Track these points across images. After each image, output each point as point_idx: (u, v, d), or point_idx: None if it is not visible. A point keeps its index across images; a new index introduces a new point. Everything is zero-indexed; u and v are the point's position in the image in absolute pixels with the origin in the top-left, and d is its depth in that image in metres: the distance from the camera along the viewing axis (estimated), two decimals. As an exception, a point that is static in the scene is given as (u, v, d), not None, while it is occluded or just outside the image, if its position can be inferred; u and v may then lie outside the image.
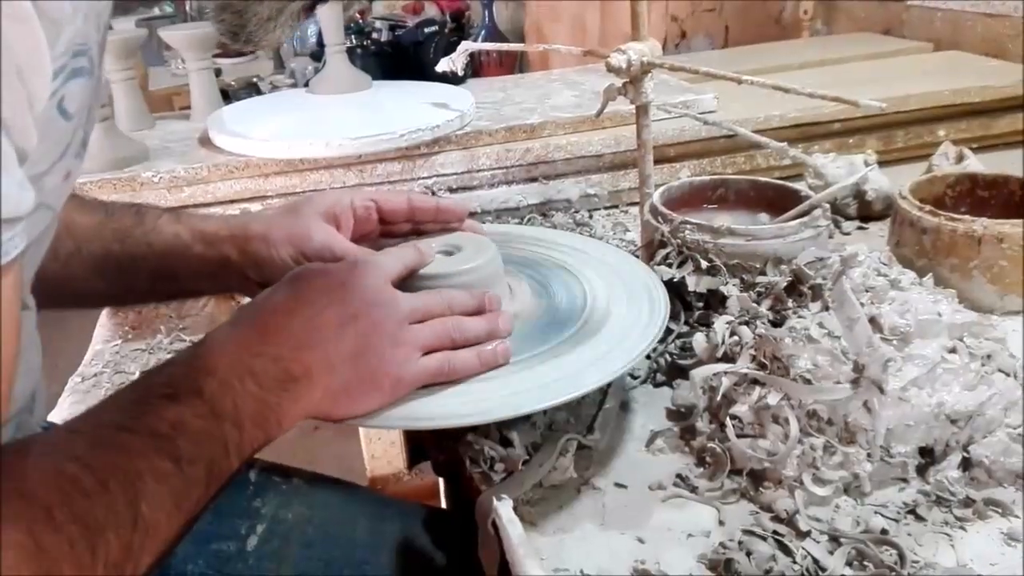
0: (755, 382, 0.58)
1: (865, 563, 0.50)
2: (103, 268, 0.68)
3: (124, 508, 0.41)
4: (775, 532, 0.52)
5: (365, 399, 0.55)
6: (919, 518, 0.54)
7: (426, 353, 0.57)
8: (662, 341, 0.68)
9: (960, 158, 0.93)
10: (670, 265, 0.73)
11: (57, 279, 0.64)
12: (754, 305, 0.67)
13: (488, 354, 0.59)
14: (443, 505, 1.08)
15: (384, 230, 0.73)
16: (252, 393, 0.49)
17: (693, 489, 0.57)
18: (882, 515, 0.53)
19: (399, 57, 1.34)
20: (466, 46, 0.96)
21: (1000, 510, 0.54)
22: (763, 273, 0.71)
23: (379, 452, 1.58)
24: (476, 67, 1.59)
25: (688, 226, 0.73)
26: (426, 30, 1.34)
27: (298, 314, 0.54)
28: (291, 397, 0.51)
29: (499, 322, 0.61)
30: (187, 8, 2.79)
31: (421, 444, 1.55)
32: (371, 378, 0.54)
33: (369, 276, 0.58)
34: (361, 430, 1.57)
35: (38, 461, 0.40)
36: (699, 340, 0.66)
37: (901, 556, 0.50)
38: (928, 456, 0.57)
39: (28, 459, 0.40)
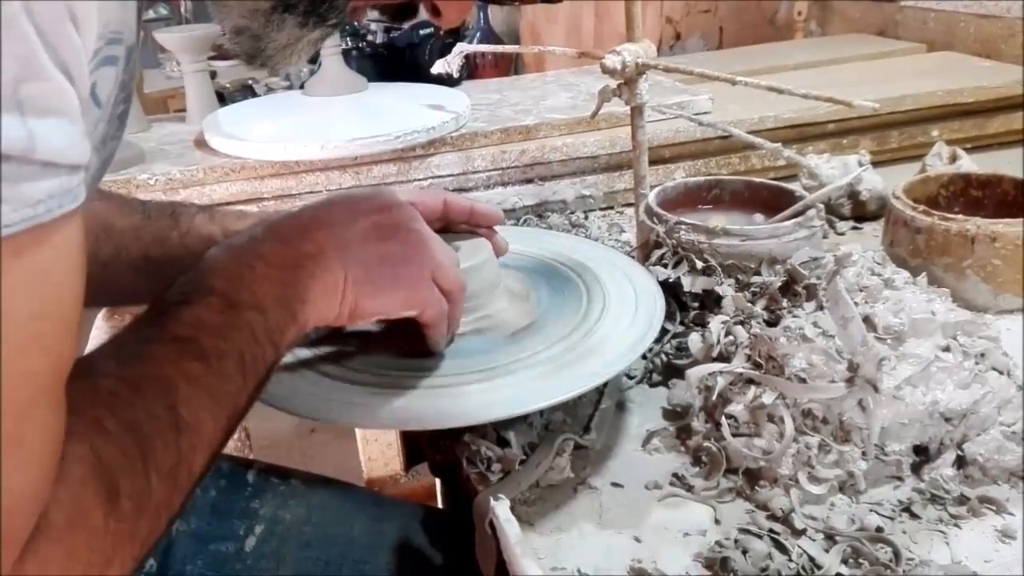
0: (750, 381, 0.59)
1: (860, 561, 0.50)
2: (143, 270, 0.68)
3: (164, 413, 0.41)
4: (771, 530, 0.53)
5: (387, 292, 0.55)
6: (914, 516, 0.54)
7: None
8: (657, 341, 0.68)
9: (953, 158, 0.93)
10: (665, 265, 0.73)
11: (98, 281, 0.64)
12: (749, 305, 0.68)
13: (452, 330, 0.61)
14: (440, 506, 1.08)
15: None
16: (265, 275, 0.49)
17: (689, 488, 0.58)
18: (877, 513, 0.54)
19: (394, 59, 1.34)
20: (461, 48, 0.96)
21: (994, 507, 0.54)
22: (758, 273, 0.71)
23: (376, 454, 1.58)
24: (471, 69, 1.59)
25: (683, 226, 0.73)
26: (421, 32, 1.34)
27: (300, 210, 0.55)
28: (308, 272, 0.51)
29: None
30: (182, 11, 2.79)
31: (418, 446, 1.55)
32: (392, 268, 0.54)
33: (394, 202, 0.58)
34: (358, 432, 1.57)
35: (75, 384, 0.39)
36: (694, 340, 0.66)
37: (896, 553, 0.50)
38: (923, 454, 0.57)
39: (70, 382, 0.40)
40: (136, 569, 0.40)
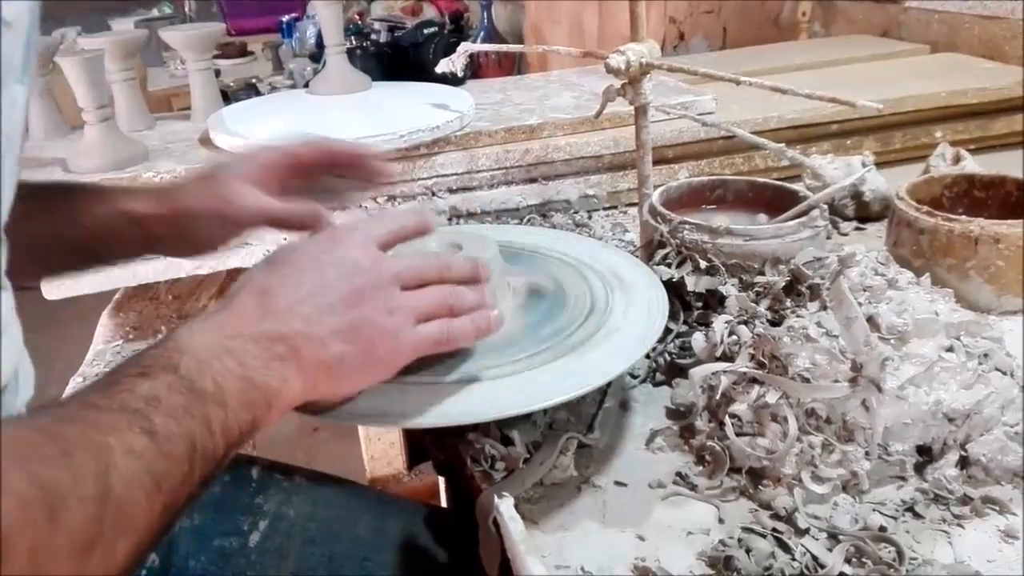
0: (754, 381, 0.59)
1: (864, 560, 0.50)
2: (34, 251, 0.65)
3: (90, 480, 0.37)
4: (774, 530, 0.53)
5: (364, 372, 0.52)
6: (917, 516, 0.54)
7: (423, 321, 0.53)
8: (661, 341, 0.68)
9: (957, 159, 0.93)
10: (669, 265, 0.73)
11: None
12: (753, 305, 0.68)
13: (483, 321, 0.56)
14: (443, 505, 1.08)
15: (308, 183, 0.71)
16: (233, 371, 0.46)
17: (693, 487, 0.58)
18: (880, 513, 0.54)
19: (398, 58, 1.34)
20: (466, 47, 0.96)
21: (997, 507, 0.54)
22: (761, 273, 0.71)
23: (378, 453, 1.58)
24: (475, 68, 1.59)
25: (687, 226, 0.73)
26: (425, 31, 1.35)
27: (274, 294, 0.50)
28: (280, 377, 0.47)
29: (486, 293, 0.58)
30: (186, 9, 2.79)
31: (421, 444, 1.56)
32: (367, 349, 0.51)
33: (347, 244, 0.53)
34: (360, 431, 1.58)
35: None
36: (698, 339, 0.66)
37: (899, 553, 0.50)
38: (926, 454, 0.57)
39: None
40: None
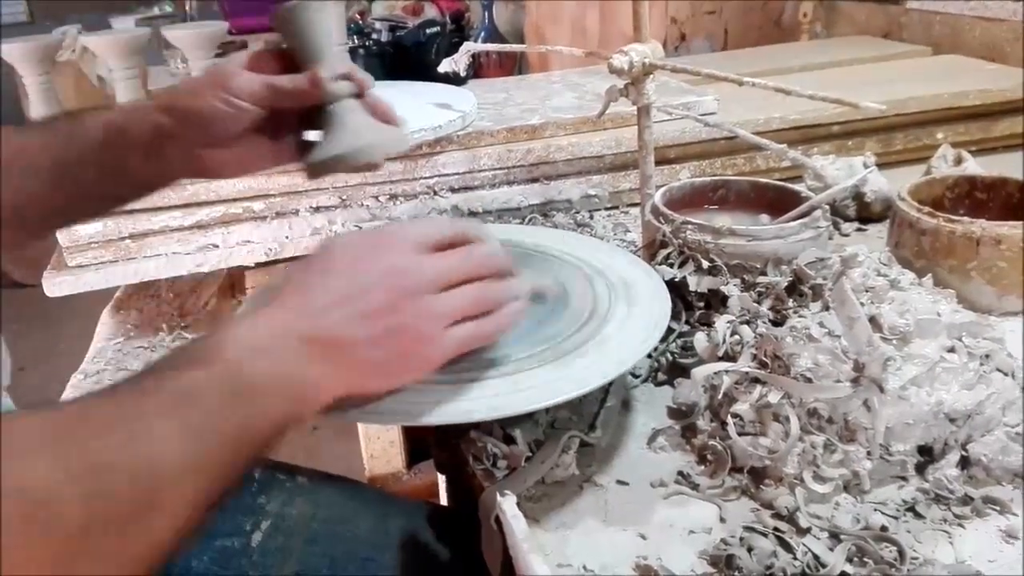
0: (756, 381, 0.59)
1: (865, 559, 0.50)
2: (56, 177, 0.65)
3: (136, 459, 0.39)
4: (776, 529, 0.53)
5: (397, 375, 0.53)
6: (918, 515, 0.54)
7: (456, 323, 0.54)
8: (663, 340, 0.69)
9: (959, 161, 0.93)
10: (671, 265, 0.73)
11: (18, 207, 0.64)
12: (755, 305, 0.68)
13: (506, 319, 0.56)
14: (444, 503, 1.08)
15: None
16: (274, 368, 0.47)
17: (695, 486, 0.58)
18: (882, 512, 0.54)
19: (400, 58, 1.34)
20: (468, 47, 0.96)
21: (998, 508, 0.55)
22: (764, 273, 0.71)
23: (378, 452, 1.58)
24: (476, 68, 1.59)
25: (689, 226, 0.74)
26: (427, 31, 1.35)
27: (316, 295, 0.51)
28: (315, 374, 0.49)
29: (516, 282, 0.59)
30: (187, 8, 2.80)
31: (421, 443, 1.56)
32: (402, 355, 0.52)
33: (390, 247, 0.54)
34: (360, 430, 1.58)
35: (29, 414, 0.38)
36: (700, 339, 0.66)
37: (901, 553, 0.50)
38: (927, 454, 0.57)
39: (19, 415, 0.39)
40: None
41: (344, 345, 0.50)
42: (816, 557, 0.50)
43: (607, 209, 1.08)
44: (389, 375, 0.53)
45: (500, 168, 1.05)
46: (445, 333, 0.53)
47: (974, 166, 0.91)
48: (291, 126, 0.69)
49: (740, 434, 0.58)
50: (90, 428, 0.39)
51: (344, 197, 1.01)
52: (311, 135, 0.69)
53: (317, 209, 1.01)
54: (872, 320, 0.58)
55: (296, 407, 0.48)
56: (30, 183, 0.65)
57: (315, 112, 0.67)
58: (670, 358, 0.70)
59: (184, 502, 0.41)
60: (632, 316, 0.65)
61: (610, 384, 0.64)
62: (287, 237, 1.00)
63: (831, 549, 0.51)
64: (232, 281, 1.06)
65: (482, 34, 2.12)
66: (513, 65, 2.13)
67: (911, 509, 0.55)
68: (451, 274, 0.54)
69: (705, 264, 0.72)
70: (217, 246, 0.99)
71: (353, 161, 0.65)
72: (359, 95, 0.68)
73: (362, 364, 0.51)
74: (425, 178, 1.04)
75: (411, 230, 0.56)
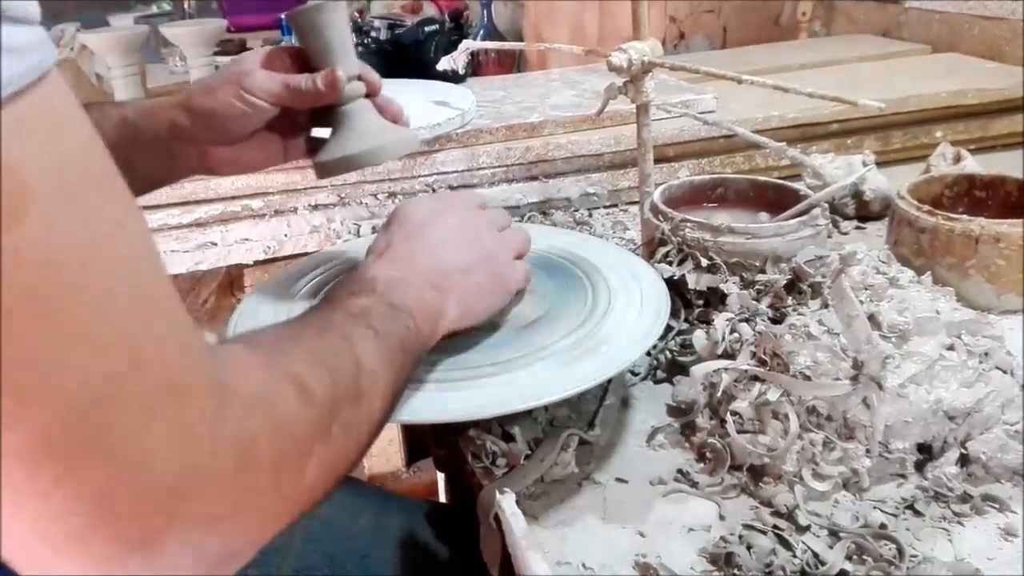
0: (755, 378, 0.59)
1: (864, 557, 0.51)
2: None
3: (346, 350, 0.46)
4: (775, 526, 0.53)
5: (489, 298, 0.62)
6: (917, 513, 0.54)
7: (518, 258, 0.65)
8: (662, 338, 0.69)
9: (958, 159, 0.93)
10: (670, 263, 0.73)
11: None
12: (754, 303, 0.68)
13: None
14: (443, 501, 1.08)
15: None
16: (411, 294, 0.55)
17: (694, 484, 0.58)
18: (881, 510, 0.54)
19: (399, 56, 1.34)
20: (467, 44, 0.96)
21: (997, 505, 0.55)
22: (763, 271, 0.71)
23: (377, 450, 1.58)
24: (475, 66, 1.59)
25: (688, 224, 0.74)
26: (426, 29, 1.35)
27: (422, 237, 0.61)
28: (440, 299, 0.57)
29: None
30: (185, 5, 2.79)
31: (419, 441, 1.56)
32: (493, 279, 0.62)
33: (459, 203, 0.65)
34: (359, 428, 1.57)
35: (253, 335, 0.44)
36: (699, 337, 0.66)
37: (900, 550, 0.50)
38: (926, 452, 0.57)
39: (239, 344, 0.43)
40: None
41: (454, 273, 0.59)
42: (815, 555, 0.50)
43: (606, 207, 1.08)
44: (485, 298, 0.61)
45: (499, 166, 1.05)
46: (515, 263, 0.64)
47: (973, 164, 0.91)
48: (302, 124, 0.70)
49: (739, 432, 0.58)
50: (311, 334, 0.46)
51: (343, 195, 1.01)
52: (320, 132, 0.69)
53: (316, 207, 1.01)
54: (871, 318, 0.58)
55: (432, 322, 0.56)
56: None
57: (326, 110, 0.67)
58: (669, 356, 0.70)
59: (387, 388, 0.48)
60: (631, 314, 0.65)
61: (609, 382, 0.64)
62: (285, 235, 1.00)
63: (830, 547, 0.51)
64: (231, 279, 1.06)
65: (481, 32, 2.11)
66: (512, 63, 2.13)
67: (910, 507, 0.55)
68: (500, 220, 0.66)
69: (704, 262, 0.72)
70: (216, 244, 0.99)
71: (363, 162, 0.66)
72: (370, 96, 0.68)
73: (468, 289, 0.59)
74: (424, 176, 1.04)
75: (464, 195, 0.70)
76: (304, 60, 0.67)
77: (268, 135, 0.68)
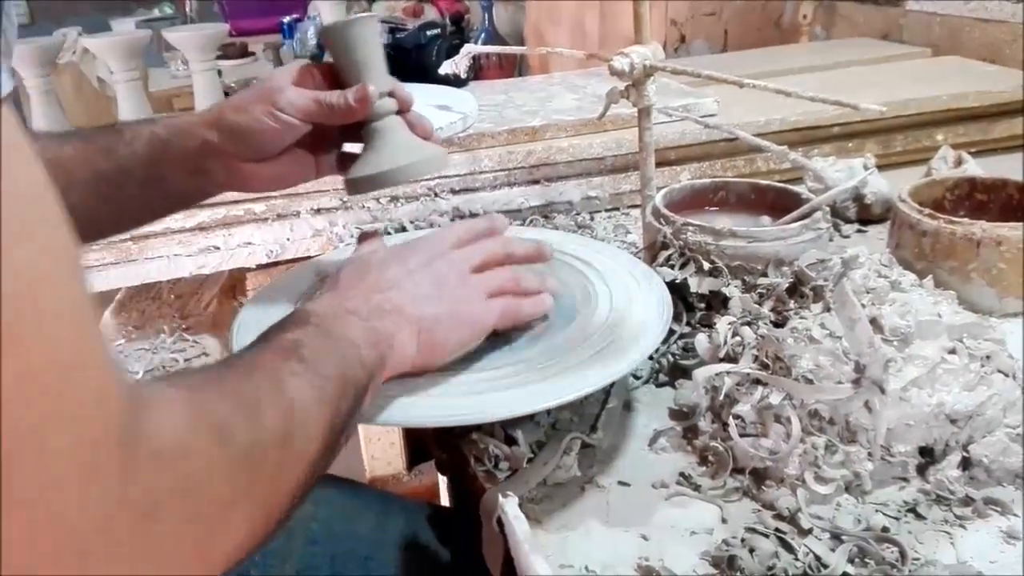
0: (757, 382, 0.59)
1: (866, 560, 0.51)
2: (96, 189, 0.66)
3: (273, 391, 0.44)
4: (777, 530, 0.53)
5: (456, 331, 0.59)
6: (919, 516, 0.54)
7: (493, 297, 0.62)
8: (664, 342, 0.69)
9: (959, 162, 0.94)
10: (672, 266, 0.73)
11: None
12: (756, 306, 0.68)
13: (541, 303, 0.64)
14: (445, 504, 1.08)
15: None
16: (355, 323, 0.53)
17: (696, 487, 0.58)
18: (883, 513, 0.54)
19: (401, 59, 1.34)
20: (469, 49, 0.96)
21: (999, 509, 0.55)
22: (764, 275, 0.71)
23: (378, 453, 1.58)
24: (476, 70, 1.59)
25: (690, 228, 0.74)
26: (428, 33, 1.35)
27: (372, 271, 0.59)
28: (392, 324, 0.55)
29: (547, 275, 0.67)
30: (187, 10, 2.80)
31: (421, 444, 1.56)
32: (454, 313, 0.59)
33: (426, 241, 0.63)
34: (361, 430, 1.58)
35: (177, 375, 0.43)
36: (701, 341, 0.67)
37: (902, 553, 0.50)
38: (928, 455, 0.57)
39: (164, 383, 0.41)
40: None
41: (405, 303, 0.57)
42: (818, 558, 0.50)
43: (608, 211, 1.08)
44: (448, 333, 0.59)
45: (501, 170, 1.05)
46: (488, 302, 0.61)
47: (974, 167, 0.91)
48: (332, 140, 0.70)
49: (741, 435, 0.58)
50: (236, 375, 0.44)
51: (345, 199, 1.01)
52: (351, 148, 0.69)
53: (318, 211, 1.01)
54: (873, 321, 0.58)
55: (382, 349, 0.54)
56: (68, 195, 0.65)
57: (357, 126, 0.67)
58: (671, 359, 0.70)
59: (322, 428, 0.46)
60: (633, 318, 0.65)
61: (611, 386, 0.64)
62: (288, 239, 1.00)
63: (832, 550, 0.51)
64: (233, 283, 1.06)
65: (482, 36, 2.12)
66: (513, 67, 2.13)
67: (912, 510, 0.55)
68: (478, 255, 0.63)
69: (706, 266, 0.72)
70: (218, 248, 0.99)
71: (394, 180, 0.66)
72: (401, 112, 0.68)
73: (424, 321, 0.57)
74: (426, 180, 1.04)
75: (441, 234, 0.65)
76: (335, 76, 0.67)
77: (299, 151, 0.68)
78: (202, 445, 0.37)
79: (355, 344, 0.51)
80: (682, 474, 0.59)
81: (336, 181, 1.01)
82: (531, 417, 0.61)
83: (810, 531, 0.52)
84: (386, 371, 0.55)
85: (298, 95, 0.64)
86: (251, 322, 0.66)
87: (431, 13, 2.17)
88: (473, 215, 1.03)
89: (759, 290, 0.70)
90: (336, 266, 0.68)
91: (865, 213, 0.97)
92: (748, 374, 0.60)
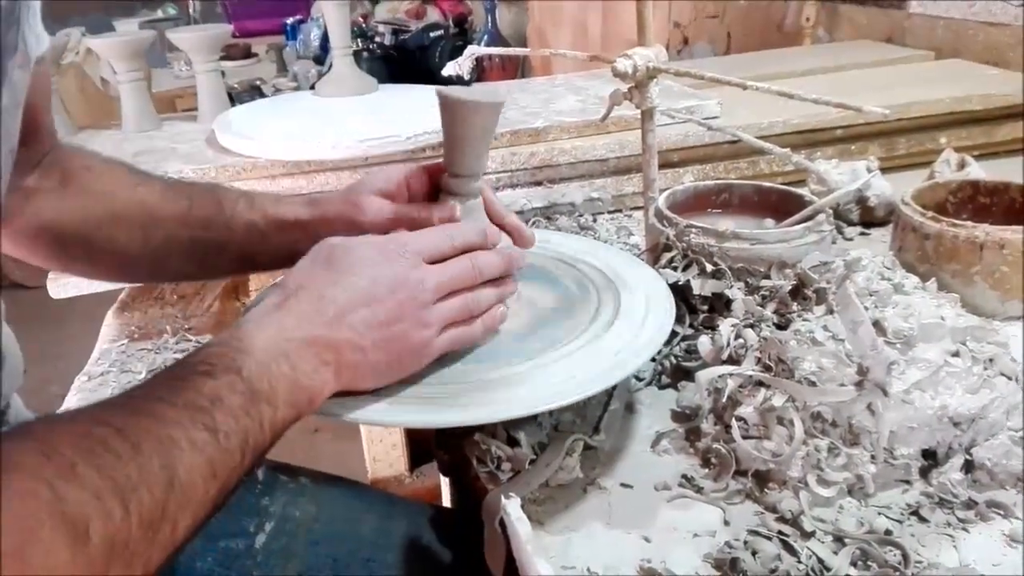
0: (760, 384, 0.59)
1: (869, 563, 0.51)
2: (192, 253, 0.72)
3: (158, 470, 0.41)
4: (780, 532, 0.53)
5: (387, 375, 0.57)
6: (922, 519, 0.54)
7: (446, 329, 0.59)
8: (667, 344, 0.69)
9: (962, 165, 0.94)
10: (675, 268, 0.73)
11: (148, 263, 0.73)
12: (759, 308, 0.68)
13: (491, 320, 0.62)
14: (447, 506, 1.08)
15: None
16: (286, 375, 0.50)
17: (699, 489, 0.58)
18: (886, 516, 0.54)
19: (404, 61, 1.35)
20: (473, 50, 0.96)
21: (1002, 512, 0.55)
22: (767, 277, 0.71)
23: (380, 454, 1.58)
24: (479, 72, 1.60)
25: (693, 230, 0.74)
26: (431, 34, 1.35)
27: (329, 301, 0.54)
28: (322, 379, 0.53)
29: (510, 284, 0.64)
30: (190, 11, 2.80)
31: (423, 446, 1.56)
32: (396, 360, 0.56)
33: (396, 258, 0.57)
34: (363, 432, 1.58)
35: (66, 424, 0.40)
36: (704, 343, 0.66)
37: (905, 556, 0.50)
38: (931, 458, 0.57)
39: (56, 424, 0.41)
40: None
41: (349, 350, 0.54)
42: (820, 560, 0.50)
43: (610, 212, 1.08)
44: (378, 377, 0.56)
45: (504, 171, 1.05)
46: (435, 339, 0.58)
47: (977, 171, 0.91)
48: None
49: (744, 437, 0.58)
50: (123, 446, 0.41)
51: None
52: None
53: (321, 212, 1.01)
54: (876, 324, 0.58)
55: (299, 408, 0.51)
56: (161, 249, 0.72)
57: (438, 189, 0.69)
58: (674, 361, 0.70)
59: (204, 502, 0.44)
60: (635, 319, 0.65)
61: (614, 387, 0.64)
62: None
63: (835, 553, 0.51)
64: (235, 283, 1.06)
65: (485, 37, 2.12)
66: (516, 68, 2.13)
67: (915, 513, 0.55)
68: (452, 285, 0.59)
69: (709, 267, 0.72)
70: (221, 248, 0.99)
71: None
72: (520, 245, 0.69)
73: (363, 366, 0.55)
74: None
75: (418, 241, 0.59)
76: (436, 176, 0.69)
77: None
78: (50, 544, 0.35)
79: (274, 404, 0.49)
80: (684, 476, 0.59)
81: (339, 183, 1.01)
82: (533, 418, 0.61)
83: (813, 534, 0.52)
84: (298, 420, 0.52)
85: (379, 208, 0.67)
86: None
87: (434, 14, 2.18)
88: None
89: (762, 292, 0.70)
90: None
91: (868, 216, 0.97)
92: (751, 376, 0.60)
